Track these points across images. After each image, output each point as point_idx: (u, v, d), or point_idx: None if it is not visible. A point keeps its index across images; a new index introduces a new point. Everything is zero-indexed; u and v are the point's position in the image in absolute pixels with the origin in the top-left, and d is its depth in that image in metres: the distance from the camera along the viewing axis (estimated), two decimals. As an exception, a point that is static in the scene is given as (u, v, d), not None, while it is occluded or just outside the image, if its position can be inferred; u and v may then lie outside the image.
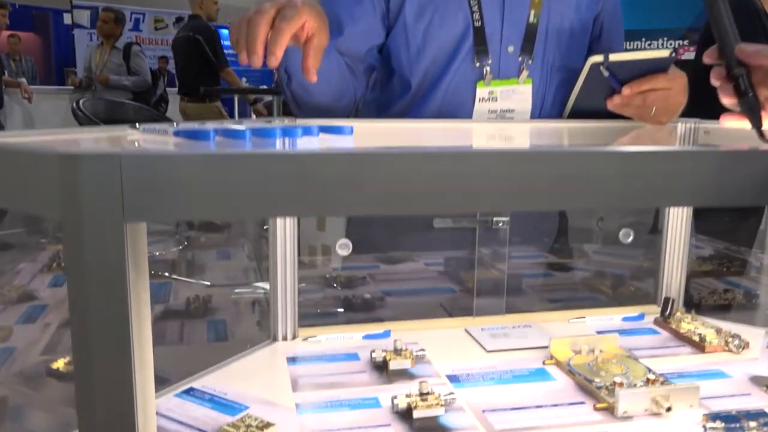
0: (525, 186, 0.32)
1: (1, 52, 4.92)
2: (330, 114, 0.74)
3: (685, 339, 0.71)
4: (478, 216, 0.79)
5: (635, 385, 0.57)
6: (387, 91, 0.81)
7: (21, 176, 0.30)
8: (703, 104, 0.72)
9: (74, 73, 5.22)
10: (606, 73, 0.69)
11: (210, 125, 0.46)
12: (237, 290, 0.91)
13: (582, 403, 0.57)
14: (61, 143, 0.42)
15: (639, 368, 0.61)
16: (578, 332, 0.72)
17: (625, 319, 0.78)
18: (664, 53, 0.68)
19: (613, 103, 0.71)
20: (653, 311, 0.79)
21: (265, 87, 5.09)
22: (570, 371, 0.62)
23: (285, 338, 0.70)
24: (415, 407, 0.54)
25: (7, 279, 0.91)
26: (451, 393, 0.56)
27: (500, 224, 0.78)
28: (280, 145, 0.43)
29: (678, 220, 0.80)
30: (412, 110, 0.79)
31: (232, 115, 3.80)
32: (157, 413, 0.53)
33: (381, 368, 0.63)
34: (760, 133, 0.45)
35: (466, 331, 0.74)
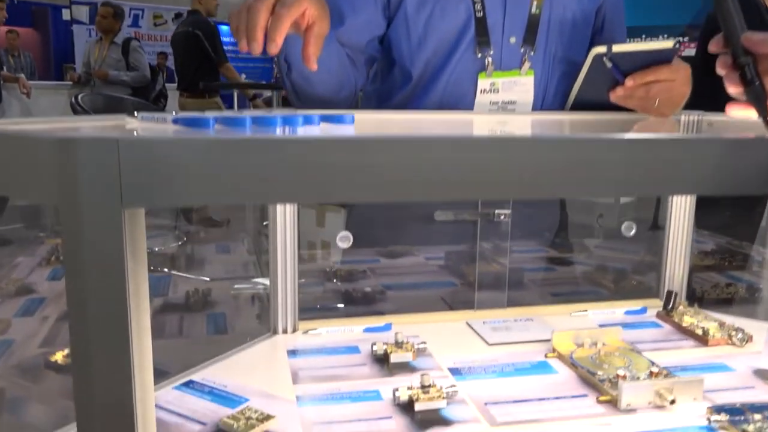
0: (527, 173, 0.31)
1: (0, 47, 4.91)
2: (330, 105, 0.74)
3: (688, 332, 0.71)
4: (479, 209, 0.79)
5: (638, 378, 0.57)
6: (388, 82, 0.80)
7: (18, 162, 0.30)
8: (705, 101, 0.71)
9: (73, 69, 5.20)
10: (609, 65, 0.68)
11: (209, 114, 0.45)
12: (236, 286, 0.90)
13: (585, 395, 0.56)
14: (59, 129, 0.41)
15: (642, 361, 0.61)
16: (580, 326, 0.72)
17: (628, 312, 0.78)
18: (667, 44, 0.67)
19: (616, 95, 0.70)
20: (655, 305, 0.79)
21: (263, 83, 5.08)
22: (572, 364, 0.61)
23: (285, 331, 0.70)
24: (417, 400, 0.53)
25: (5, 272, 0.90)
26: (453, 385, 0.55)
27: (502, 217, 0.77)
28: (280, 132, 0.42)
29: (681, 214, 0.80)
30: (413, 102, 0.78)
31: (231, 111, 3.79)
32: (156, 405, 0.53)
33: (382, 361, 0.63)
34: (767, 122, 0.44)
35: (468, 324, 0.73)
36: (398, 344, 0.64)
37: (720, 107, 0.49)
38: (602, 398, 0.55)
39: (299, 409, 0.53)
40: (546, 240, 0.96)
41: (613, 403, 0.54)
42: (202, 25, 3.47)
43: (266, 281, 0.73)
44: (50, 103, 4.36)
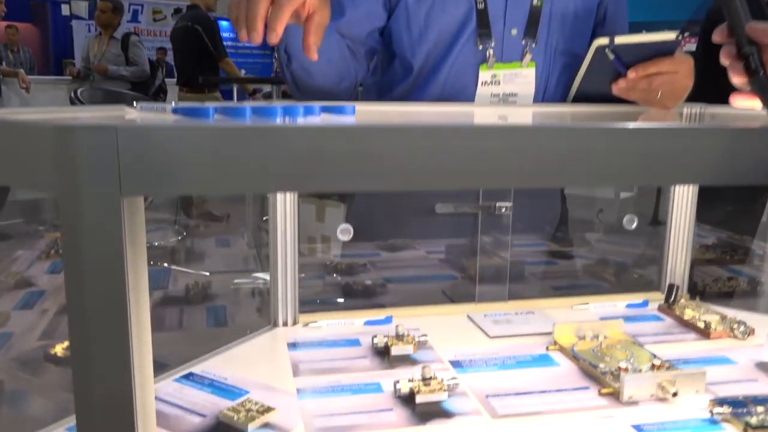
0: (529, 162, 0.31)
1: (-1, 42, 4.89)
2: (330, 97, 0.73)
3: (689, 325, 0.71)
4: (480, 201, 0.78)
5: (640, 371, 0.56)
6: (388, 74, 0.80)
7: (16, 150, 0.29)
8: (706, 95, 0.71)
9: (72, 64, 5.19)
10: (611, 56, 0.68)
11: (209, 104, 0.45)
12: (236, 280, 0.90)
13: (586, 388, 0.56)
14: (58, 118, 0.41)
15: (644, 354, 0.60)
16: (582, 319, 0.71)
17: (629, 305, 0.78)
18: (670, 35, 0.67)
19: (619, 87, 0.70)
20: (657, 298, 0.79)
21: (263, 77, 5.07)
22: (574, 357, 0.61)
23: (285, 324, 0.69)
24: (418, 392, 0.53)
25: (4, 266, 0.90)
26: (454, 378, 0.55)
27: (503, 210, 0.77)
28: (281, 122, 0.42)
29: (682, 207, 0.80)
30: (414, 94, 0.77)
31: (230, 106, 3.77)
32: (156, 398, 0.53)
33: (383, 354, 0.62)
34: (772, 112, 0.44)
35: (469, 317, 0.73)
36: (399, 337, 0.63)
37: (721, 101, 0.49)
38: (604, 391, 0.55)
39: (299, 402, 0.53)
40: (547, 234, 0.96)
41: (615, 395, 0.54)
42: (201, 19, 3.46)
43: (266, 276, 0.72)
44: (49, 98, 4.35)
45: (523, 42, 0.75)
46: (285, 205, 0.67)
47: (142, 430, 0.30)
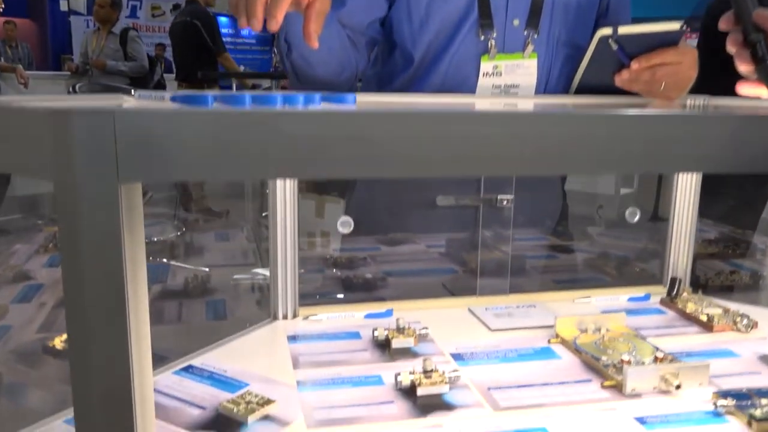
0: (532, 149, 0.31)
1: (-3, 38, 4.88)
2: (331, 88, 0.72)
3: (692, 319, 0.70)
4: (482, 194, 0.78)
5: (643, 363, 0.56)
6: (389, 65, 0.79)
7: (12, 136, 0.29)
8: (708, 89, 0.71)
9: (71, 60, 5.17)
10: (615, 47, 0.67)
11: (208, 92, 0.44)
12: (236, 276, 0.89)
13: (589, 380, 0.56)
14: (54, 104, 0.40)
15: (646, 347, 0.60)
16: (583, 312, 0.71)
17: (631, 299, 0.77)
18: (674, 26, 0.66)
19: (622, 79, 0.69)
20: (659, 292, 0.78)
21: (262, 72, 5.06)
22: (576, 350, 0.61)
23: (285, 317, 0.69)
24: (419, 384, 0.53)
25: (2, 259, 0.90)
26: (456, 370, 0.55)
27: (504, 202, 0.76)
28: (280, 108, 0.41)
29: (685, 200, 0.79)
30: (415, 85, 0.77)
31: (230, 102, 3.76)
32: (155, 390, 0.52)
33: (383, 346, 0.62)
34: (779, 100, 0.43)
35: (470, 310, 0.72)
36: (400, 330, 0.63)
37: (723, 95, 0.48)
38: (607, 383, 0.55)
39: (300, 394, 0.53)
40: (548, 228, 0.95)
41: (618, 388, 0.54)
42: (200, 15, 3.45)
43: (266, 272, 0.72)
44: (48, 93, 4.34)
45: (525, 33, 0.74)
46: (285, 200, 0.67)
47: (140, 422, 0.30)
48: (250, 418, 0.48)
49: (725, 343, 0.64)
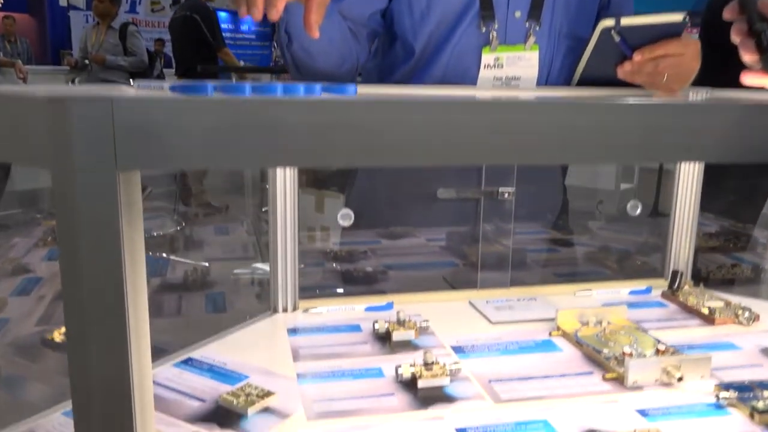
0: (534, 138, 0.30)
1: (-4, 33, 4.86)
2: (331, 80, 0.72)
3: (693, 312, 0.70)
4: (483, 187, 0.77)
5: (645, 356, 0.56)
6: (389, 57, 0.78)
7: (9, 124, 0.28)
8: (709, 85, 0.70)
9: (70, 55, 5.15)
10: (617, 38, 0.67)
11: (208, 81, 0.44)
12: (236, 271, 0.89)
13: (590, 373, 0.56)
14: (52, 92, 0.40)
15: (648, 339, 0.60)
16: (585, 305, 0.71)
17: (632, 292, 0.77)
18: (677, 17, 0.65)
19: (624, 70, 0.69)
20: (660, 285, 0.78)
21: (262, 67, 5.05)
22: (577, 342, 0.60)
23: (285, 310, 0.69)
24: (420, 377, 0.52)
25: (1, 252, 0.89)
26: (456, 363, 0.55)
27: (506, 195, 0.76)
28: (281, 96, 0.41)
29: (687, 193, 0.79)
30: (415, 77, 0.76)
31: (230, 97, 3.76)
32: (155, 382, 0.52)
33: (384, 339, 0.62)
34: (783, 90, 0.43)
35: (470, 303, 0.72)
36: (400, 322, 0.63)
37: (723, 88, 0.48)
38: (608, 375, 0.54)
39: (300, 386, 0.52)
40: (548, 222, 0.95)
41: (620, 380, 0.54)
42: (200, 9, 3.43)
43: (266, 267, 0.72)
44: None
45: (527, 24, 0.74)
46: (285, 194, 0.66)
47: (139, 414, 0.30)
48: (250, 411, 0.48)
49: (727, 336, 0.64)
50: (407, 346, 0.61)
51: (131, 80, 0.47)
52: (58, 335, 0.61)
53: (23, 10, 6.72)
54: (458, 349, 0.60)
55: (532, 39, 0.74)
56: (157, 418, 0.47)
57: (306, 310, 0.69)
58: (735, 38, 0.46)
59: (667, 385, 0.53)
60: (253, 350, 0.59)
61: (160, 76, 4.09)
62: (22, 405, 0.53)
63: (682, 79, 0.70)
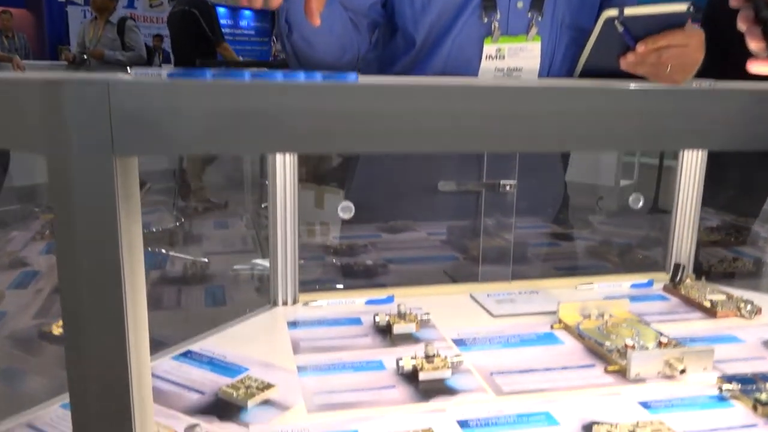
0: (537, 125, 0.30)
1: (-6, 27, 4.84)
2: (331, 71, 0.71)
3: (695, 305, 0.70)
4: (484, 179, 0.77)
5: (647, 348, 0.55)
6: (390, 48, 0.78)
7: (2, 109, 0.28)
8: (711, 76, 0.69)
9: (68, 50, 5.13)
10: (620, 28, 0.66)
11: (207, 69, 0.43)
12: (236, 266, 0.89)
13: (592, 365, 0.55)
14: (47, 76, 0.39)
15: (650, 332, 0.59)
16: (586, 298, 0.70)
17: (634, 285, 0.76)
18: (681, 7, 0.65)
19: (627, 62, 0.68)
20: (662, 279, 0.78)
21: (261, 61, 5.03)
22: (579, 335, 0.60)
23: (285, 303, 0.68)
24: (421, 369, 0.52)
25: (-1, 245, 0.89)
26: (458, 355, 0.54)
27: (507, 188, 0.75)
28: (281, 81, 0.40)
29: (689, 185, 0.78)
30: (416, 68, 0.76)
31: (228, 92, 3.74)
32: (153, 375, 0.52)
33: (384, 332, 0.61)
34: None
35: (471, 296, 0.72)
36: (401, 315, 0.62)
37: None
38: (610, 368, 0.54)
39: (300, 379, 0.52)
40: (549, 216, 0.95)
41: (622, 373, 0.53)
42: (198, 3, 3.41)
43: (265, 263, 0.71)
44: (45, 84, 4.31)
45: (529, 15, 0.73)
46: (285, 186, 0.66)
47: (138, 406, 0.29)
48: (250, 403, 0.48)
49: (729, 329, 0.64)
50: (408, 338, 0.60)
51: (128, 68, 0.46)
52: (56, 328, 0.60)
53: (21, 5, 6.68)
54: (459, 342, 0.60)
55: (534, 30, 0.73)
56: (156, 411, 0.46)
57: (306, 304, 0.68)
58: (741, 26, 0.45)
59: (670, 377, 0.53)
60: (252, 343, 0.59)
61: (159, 71, 4.06)
62: (20, 397, 0.53)
63: (686, 70, 0.69)
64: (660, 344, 0.56)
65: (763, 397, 0.48)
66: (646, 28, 0.67)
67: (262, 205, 0.91)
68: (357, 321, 0.64)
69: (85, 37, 3.67)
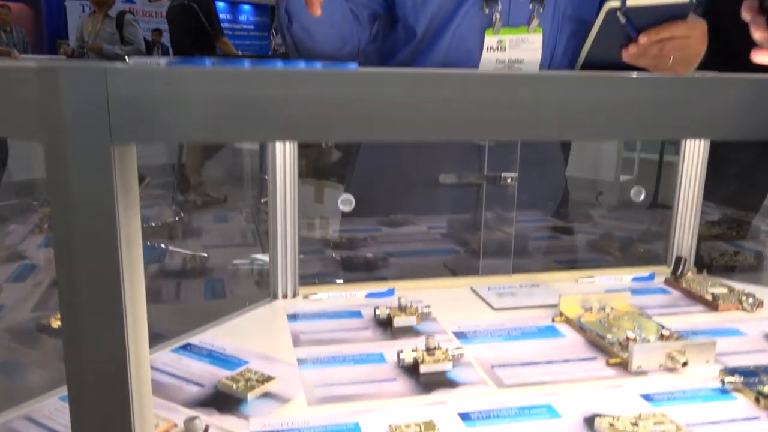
0: (540, 113, 0.29)
1: (-9, 22, 4.82)
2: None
3: (697, 298, 0.70)
4: (486, 172, 0.77)
5: (649, 341, 0.55)
6: (390, 40, 0.77)
7: (1, 97, 0.27)
8: (715, 69, 0.69)
9: (66, 44, 5.12)
10: (623, 20, 0.66)
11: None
12: (235, 261, 0.88)
13: (594, 358, 0.55)
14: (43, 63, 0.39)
15: (652, 325, 0.59)
16: (587, 291, 0.70)
17: (635, 279, 0.76)
18: (684, -3, 0.64)
19: (629, 53, 0.68)
20: (663, 272, 0.77)
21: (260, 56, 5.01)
22: (581, 328, 0.60)
23: (285, 296, 0.68)
24: (422, 362, 0.52)
25: (-4, 239, 0.88)
26: (459, 348, 0.54)
27: (508, 180, 0.75)
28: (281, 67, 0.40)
29: (690, 179, 0.78)
30: (417, 59, 0.75)
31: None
32: (152, 367, 0.51)
33: (385, 325, 0.61)
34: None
35: (472, 289, 0.71)
36: (402, 308, 0.62)
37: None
38: (612, 361, 0.54)
39: (300, 372, 0.52)
40: (550, 209, 0.94)
41: (624, 365, 0.53)
42: (197, -3, 3.40)
43: (265, 258, 0.71)
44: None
45: (531, 6, 0.72)
46: (285, 177, 0.65)
47: (137, 398, 0.29)
48: (250, 395, 0.47)
49: (731, 322, 0.64)
50: (409, 331, 0.60)
51: (126, 57, 0.46)
52: (55, 321, 0.60)
53: (20, 0, 6.65)
54: (460, 335, 0.59)
55: (535, 21, 0.72)
56: (155, 403, 0.46)
57: (306, 297, 0.68)
58: (745, 15, 0.45)
59: (672, 370, 0.52)
60: (252, 336, 0.58)
61: (158, 66, 4.04)
62: (18, 390, 0.53)
63: (689, 62, 0.69)
64: (662, 337, 0.56)
65: (765, 389, 0.48)
66: (648, 20, 0.66)
67: (262, 200, 0.91)
68: (357, 314, 0.64)
69: (84, 31, 3.66)
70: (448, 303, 0.67)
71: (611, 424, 0.43)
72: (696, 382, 0.51)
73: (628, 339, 0.55)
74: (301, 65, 0.44)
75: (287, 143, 0.66)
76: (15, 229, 0.93)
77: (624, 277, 0.76)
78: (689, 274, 0.75)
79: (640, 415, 0.45)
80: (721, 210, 1.05)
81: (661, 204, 0.98)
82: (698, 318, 0.65)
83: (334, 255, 0.84)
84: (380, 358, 0.54)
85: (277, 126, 0.28)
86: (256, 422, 0.44)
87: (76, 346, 0.27)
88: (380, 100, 0.28)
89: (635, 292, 0.70)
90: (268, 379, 0.49)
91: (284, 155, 0.65)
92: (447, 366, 0.52)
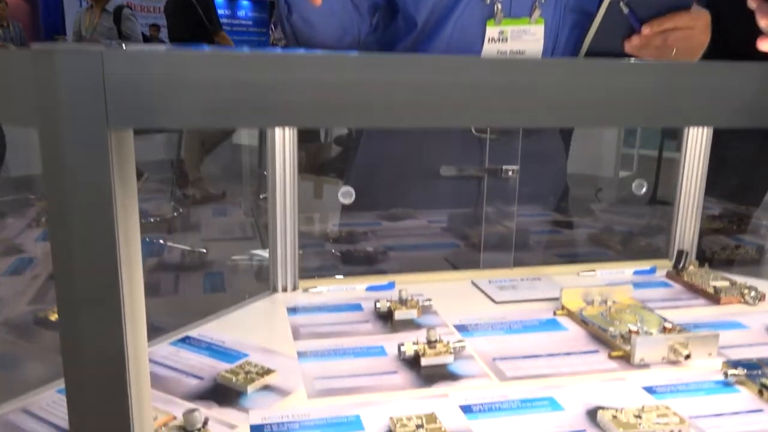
0: (543, 98, 0.29)
1: (-12, 17, 4.79)
2: None
3: (699, 291, 0.69)
4: (487, 164, 0.76)
5: (651, 334, 0.55)
6: (390, 30, 0.76)
7: (-6, 84, 0.27)
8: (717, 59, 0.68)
9: (64, 39, 5.09)
10: (625, 10, 0.65)
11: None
12: (234, 257, 0.88)
13: (596, 351, 0.54)
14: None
15: (654, 318, 0.59)
16: (589, 285, 0.70)
17: (637, 272, 0.76)
18: (687, -12, 0.64)
19: (632, 45, 0.67)
20: (665, 266, 0.77)
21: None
22: (582, 321, 0.59)
23: (285, 289, 0.67)
24: (423, 354, 0.51)
25: (-7, 233, 0.88)
26: (461, 341, 0.53)
27: (510, 173, 0.74)
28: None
29: (692, 172, 0.77)
30: (417, 50, 0.74)
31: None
32: (151, 360, 0.51)
33: (386, 318, 0.61)
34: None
35: (473, 283, 0.71)
36: (402, 301, 0.62)
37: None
38: (614, 354, 0.53)
39: (300, 365, 0.51)
40: (551, 204, 0.94)
41: (626, 358, 0.53)
42: (195, -8, 3.38)
43: (264, 253, 0.70)
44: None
45: None
46: (284, 170, 0.65)
47: (135, 390, 0.28)
48: (250, 388, 0.47)
49: (733, 315, 0.63)
50: (409, 325, 0.59)
51: (123, 45, 0.45)
52: (53, 314, 0.60)
53: (16, -5, 6.61)
54: (461, 328, 0.59)
55: (537, 12, 0.72)
56: (154, 396, 0.46)
57: (306, 290, 0.68)
58: (751, 3, 0.44)
59: (675, 363, 0.52)
60: (252, 329, 0.58)
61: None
62: (15, 382, 0.52)
63: (692, 53, 0.68)
64: (664, 330, 0.55)
65: (769, 382, 0.48)
66: (651, 10, 0.65)
67: (261, 196, 0.90)
68: (358, 307, 0.64)
69: (81, 26, 3.64)
70: (449, 296, 0.66)
71: (614, 417, 0.43)
72: (699, 374, 0.50)
73: (630, 332, 0.55)
74: (302, 51, 0.43)
75: (287, 136, 0.65)
76: (12, 223, 0.93)
77: (625, 270, 0.76)
78: (691, 267, 0.75)
79: (643, 407, 0.44)
80: (722, 204, 1.05)
81: (661, 200, 0.97)
82: (700, 311, 0.65)
83: (333, 250, 0.84)
84: (381, 351, 0.54)
85: (278, 111, 0.27)
86: (256, 415, 0.44)
87: (74, 339, 0.26)
88: (381, 85, 0.27)
89: (637, 285, 0.70)
90: (268, 371, 0.49)
91: (284, 149, 0.64)
92: (448, 359, 0.52)
